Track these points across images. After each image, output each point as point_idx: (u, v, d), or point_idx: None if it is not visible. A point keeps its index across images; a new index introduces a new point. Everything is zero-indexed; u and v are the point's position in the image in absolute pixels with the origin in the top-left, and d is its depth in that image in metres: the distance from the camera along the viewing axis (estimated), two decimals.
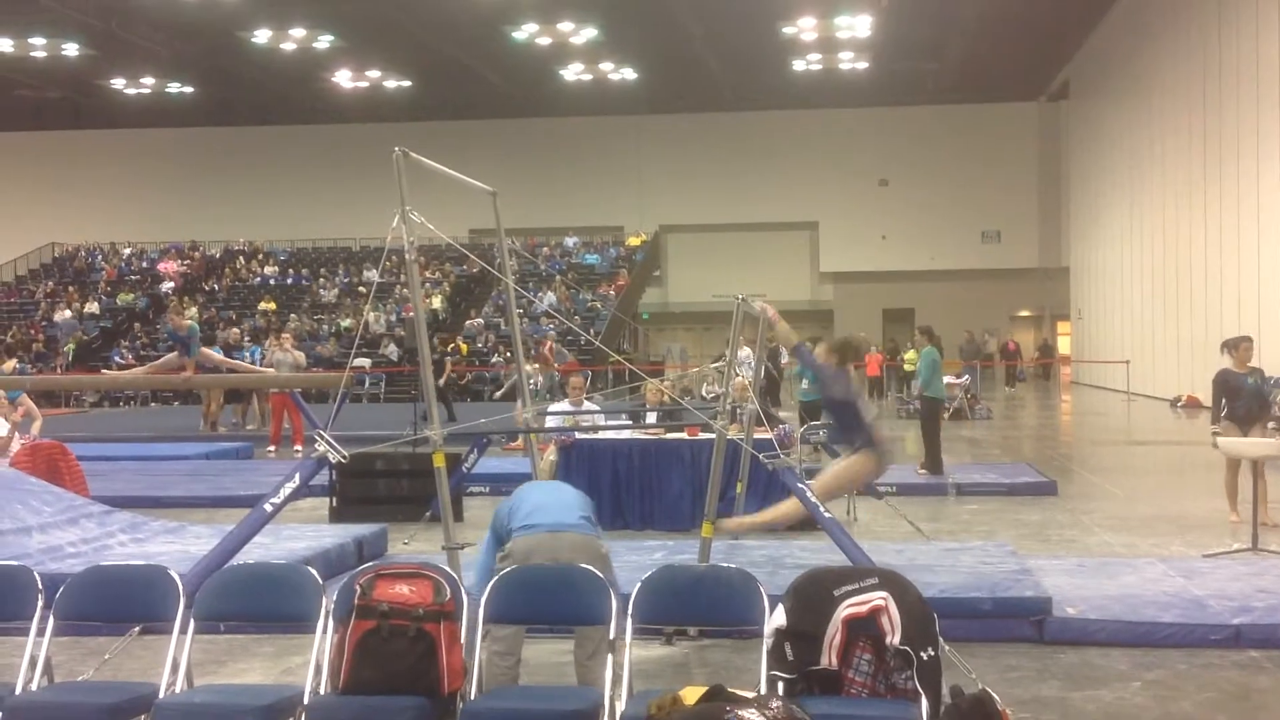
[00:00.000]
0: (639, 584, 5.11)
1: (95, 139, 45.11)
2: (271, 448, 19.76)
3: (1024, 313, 45.38)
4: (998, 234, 44.23)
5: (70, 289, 39.74)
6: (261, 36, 32.62)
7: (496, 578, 5.20)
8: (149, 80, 37.81)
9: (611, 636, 4.95)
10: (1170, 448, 19.85)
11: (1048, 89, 41.95)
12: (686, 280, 44.59)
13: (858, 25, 32.25)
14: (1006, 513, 12.32)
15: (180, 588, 5.08)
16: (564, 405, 13.43)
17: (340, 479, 11.92)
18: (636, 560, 8.58)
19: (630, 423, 13.43)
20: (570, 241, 42.35)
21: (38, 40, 32.81)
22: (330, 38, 33.30)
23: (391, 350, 33.29)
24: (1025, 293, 44.49)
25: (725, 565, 5.54)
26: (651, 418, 13.00)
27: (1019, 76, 40.02)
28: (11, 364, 26.64)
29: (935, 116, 43.06)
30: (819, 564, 6.82)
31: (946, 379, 17.60)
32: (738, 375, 10.13)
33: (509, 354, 31.01)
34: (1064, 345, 43.78)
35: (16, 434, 11.95)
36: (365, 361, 31.26)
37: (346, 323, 35.22)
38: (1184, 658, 6.77)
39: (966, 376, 27.28)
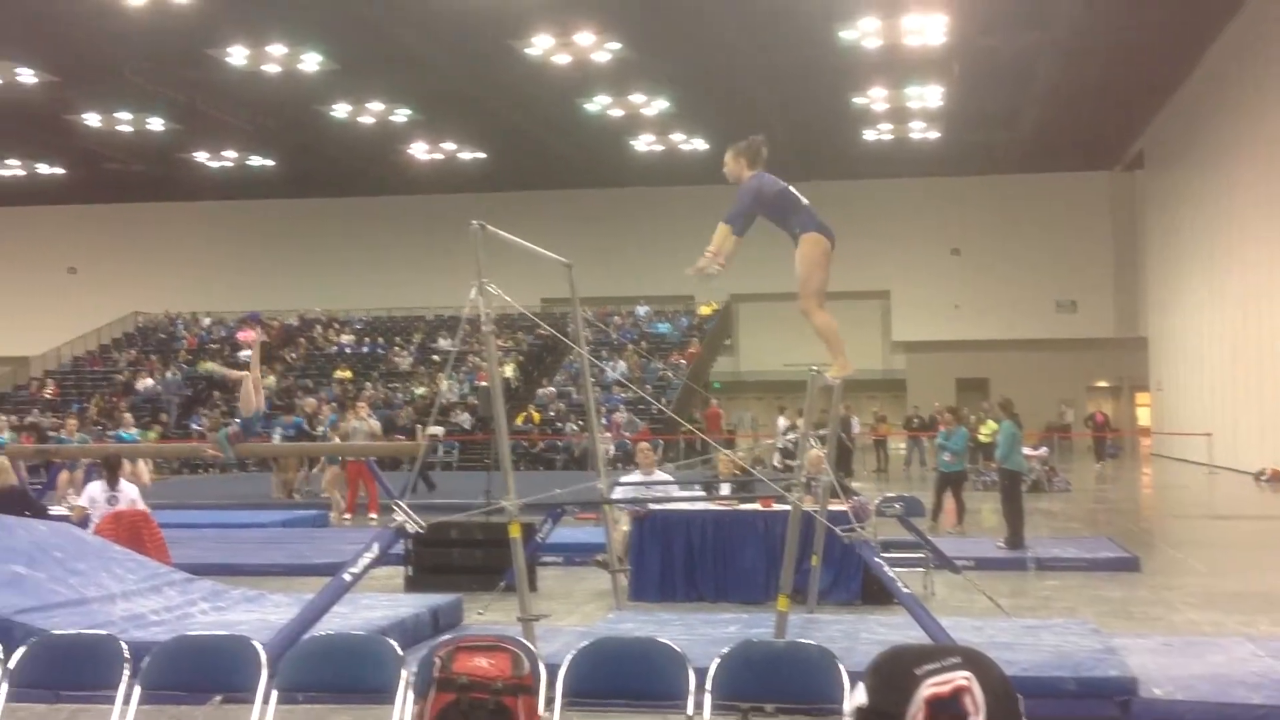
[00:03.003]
0: (717, 659, 5.08)
1: (178, 210, 46.16)
2: (347, 515, 19.93)
3: (1101, 383, 44.76)
4: (1073, 303, 43.79)
5: (152, 357, 40.48)
6: (340, 110, 33.31)
7: (576, 651, 5.20)
8: (231, 153, 38.70)
9: (690, 713, 4.92)
10: (1255, 522, 19.42)
11: (1122, 158, 41.67)
12: (758, 349, 44.53)
13: (929, 95, 32.30)
14: (1088, 589, 12.10)
15: (263, 658, 5.13)
16: (635, 475, 13.43)
17: (415, 548, 11.97)
18: (711, 633, 8.52)
19: (703, 494, 13.40)
20: (641, 310, 42.52)
21: (124, 115, 33.73)
22: (407, 111, 33.92)
23: (465, 418, 33.51)
24: (1102, 363, 43.88)
25: (804, 641, 5.50)
26: (725, 489, 12.95)
27: (1092, 146, 39.78)
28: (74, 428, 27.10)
29: (1008, 186, 42.88)
30: (897, 640, 6.75)
31: (1024, 450, 17.40)
32: (812, 447, 10.08)
33: (581, 423, 31.15)
34: (1143, 416, 43.11)
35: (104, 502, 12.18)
36: (439, 429, 31.46)
37: (420, 390, 35.52)
38: None
39: (1044, 449, 26.94)
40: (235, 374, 15.96)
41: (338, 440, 21.82)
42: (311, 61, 28.72)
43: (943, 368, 42.95)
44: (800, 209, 7.92)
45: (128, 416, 27.42)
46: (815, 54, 28.42)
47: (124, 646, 5.28)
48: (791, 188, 8.02)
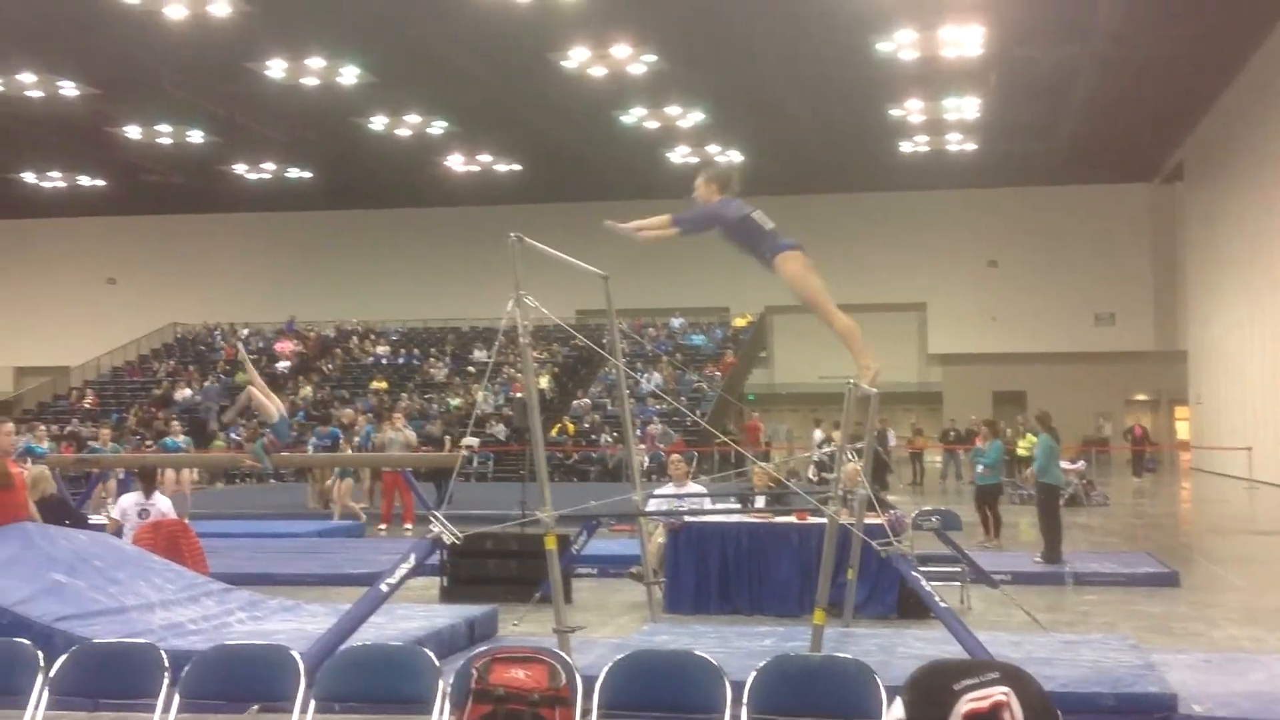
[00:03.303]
0: (754, 673, 5.07)
1: (216, 222, 46.53)
2: (382, 526, 20.01)
3: (1140, 396, 44.40)
4: (1111, 316, 43.47)
5: (190, 368, 40.78)
6: (377, 123, 33.50)
7: (612, 663, 5.20)
8: (269, 165, 38.99)
9: None
10: None
11: (1162, 170, 41.36)
12: (793, 361, 44.42)
13: (966, 107, 32.19)
14: (1126, 604, 12.00)
15: (301, 668, 5.15)
16: (669, 488, 13.42)
17: (451, 558, 12.00)
18: (746, 646, 8.50)
19: (738, 506, 13.37)
20: (676, 322, 42.52)
21: (164, 128, 34.04)
22: (444, 123, 34.09)
23: (499, 429, 33.58)
24: (1141, 376, 43.52)
25: (841, 656, 5.47)
26: (760, 501, 12.92)
27: (1131, 158, 39.52)
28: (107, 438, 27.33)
29: (1045, 197, 42.64)
30: (933, 655, 6.71)
31: (1062, 464, 17.28)
32: (848, 460, 10.04)
33: (615, 434, 31.17)
34: (1182, 430, 42.70)
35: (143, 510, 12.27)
36: (474, 441, 31.55)
37: (455, 402, 35.63)
38: None
39: (1082, 462, 26.74)
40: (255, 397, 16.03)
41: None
42: (349, 74, 28.91)
43: (979, 380, 42.70)
44: (765, 235, 7.86)
45: (175, 425, 27.61)
46: (851, 66, 28.37)
47: (164, 655, 5.32)
48: (755, 214, 7.89)
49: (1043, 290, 42.95)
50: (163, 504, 12.61)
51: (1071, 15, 25.73)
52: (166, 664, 5.25)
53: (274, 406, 15.76)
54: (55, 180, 40.79)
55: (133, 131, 34.21)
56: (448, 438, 27.67)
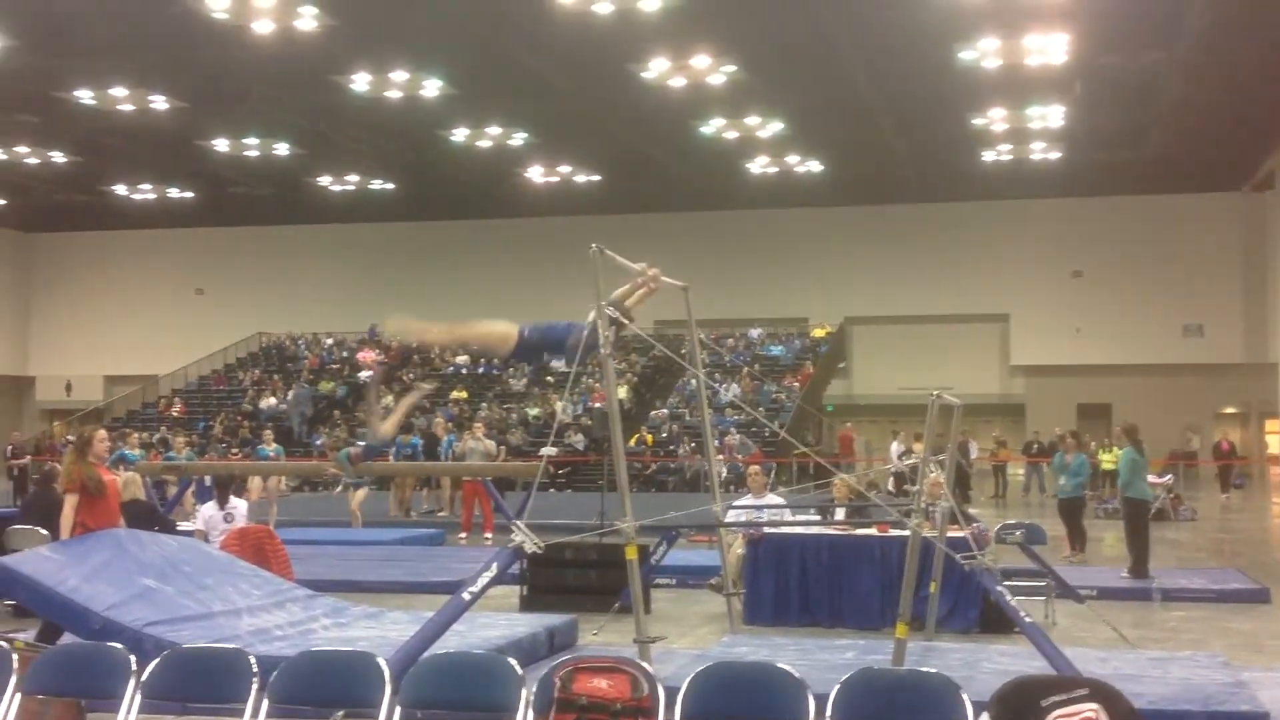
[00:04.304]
0: (837, 686, 5.04)
1: (301, 233, 47.20)
2: (463, 534, 20.18)
3: (1229, 409, 43.48)
4: (1200, 327, 42.64)
5: (275, 377, 41.39)
6: (459, 135, 33.80)
7: (694, 674, 5.20)
8: (353, 177, 39.48)
9: None
10: None
11: (1251, 178, 40.53)
12: (872, 372, 44.10)
13: (1050, 115, 31.78)
14: (1215, 620, 11.77)
15: (387, 674, 5.21)
16: (748, 499, 13.40)
17: (531, 567, 12.07)
18: (828, 659, 8.46)
19: (818, 518, 13.31)
20: (755, 333, 42.42)
21: (251, 141, 34.64)
22: (524, 135, 34.31)
23: (578, 440, 33.69)
24: (1230, 389, 42.61)
25: (925, 670, 5.42)
26: (840, 513, 12.86)
27: (1220, 166, 38.76)
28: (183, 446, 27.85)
29: (1131, 207, 41.96)
30: (1018, 670, 6.63)
31: (1149, 478, 16.99)
32: (931, 472, 9.96)
33: (693, 444, 31.15)
34: (1273, 444, 41.76)
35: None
36: (552, 450, 31.66)
37: (534, 411, 35.81)
38: None
39: (1170, 476, 26.28)
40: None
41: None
42: (432, 87, 29.20)
43: (1063, 392, 42.08)
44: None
45: (267, 433, 28.06)
46: (933, 75, 28.14)
47: (252, 661, 5.40)
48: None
49: (1129, 301, 42.26)
50: (241, 508, 12.85)
51: (1158, 21, 25.32)
52: (255, 669, 5.33)
53: (383, 430, 16.07)
54: (145, 193, 41.62)
55: (221, 144, 34.84)
56: (502, 448, 27.66)
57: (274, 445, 26.47)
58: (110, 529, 9.46)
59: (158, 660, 5.64)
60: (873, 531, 11.71)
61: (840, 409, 44.03)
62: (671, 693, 5.13)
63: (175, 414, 39.09)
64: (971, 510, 17.36)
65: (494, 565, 7.30)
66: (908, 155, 36.70)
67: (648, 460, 32.33)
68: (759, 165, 37.02)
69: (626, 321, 8.08)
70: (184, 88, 29.58)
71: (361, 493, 21.49)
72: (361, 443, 16.85)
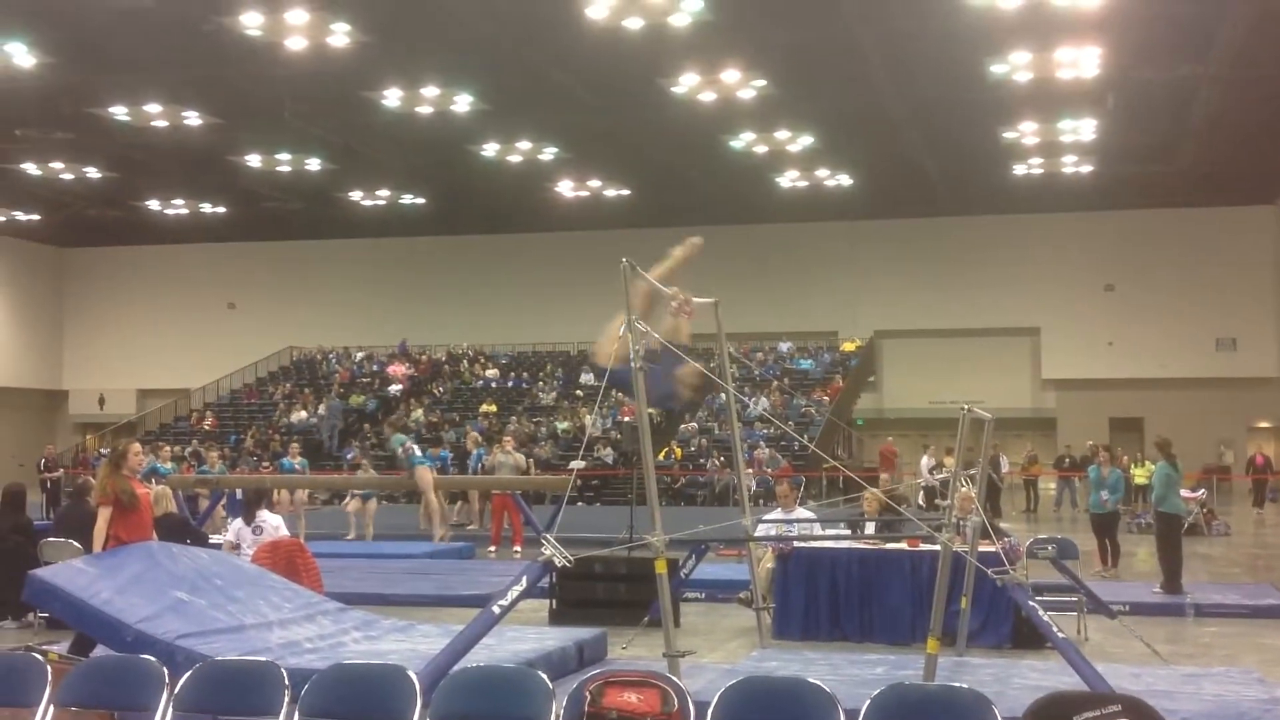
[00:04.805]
0: (868, 701, 5.02)
1: (332, 248, 47.44)
2: (492, 548, 20.21)
3: (1263, 424, 43.12)
4: (1233, 341, 42.31)
5: (305, 391, 41.58)
6: (489, 150, 33.92)
7: (725, 688, 5.19)
8: (383, 192, 39.67)
9: None
10: None
11: None
12: (902, 386, 43.93)
13: (1082, 129, 31.63)
14: (1249, 636, 11.67)
15: (418, 688, 5.22)
16: (777, 513, 13.37)
17: (560, 581, 12.08)
18: (858, 674, 8.43)
19: (848, 532, 13.27)
20: (784, 346, 42.34)
21: (283, 156, 34.86)
22: (554, 150, 34.41)
23: (607, 453, 33.69)
24: (1264, 403, 42.27)
25: (957, 685, 5.39)
26: (870, 528, 12.81)
27: (1253, 179, 38.48)
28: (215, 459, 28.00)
29: (1164, 220, 41.72)
30: (1050, 685, 6.59)
31: (1183, 493, 16.86)
32: (962, 487, 9.92)
33: (722, 458, 31.09)
34: None
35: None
36: (581, 464, 31.63)
37: (563, 425, 35.84)
38: None
39: (1203, 491, 26.06)
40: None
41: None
42: (463, 102, 29.32)
43: (1095, 406, 41.81)
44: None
45: (294, 447, 28.18)
46: (964, 88, 28.07)
47: (284, 673, 5.43)
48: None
49: (1161, 315, 42.00)
50: (272, 519, 12.91)
51: (1190, 35, 25.19)
52: (287, 682, 5.35)
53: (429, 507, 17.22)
54: (178, 208, 41.93)
55: (253, 160, 35.09)
56: (530, 460, 27.76)
57: (299, 459, 26.57)
58: (143, 542, 9.52)
59: (190, 673, 5.67)
60: (903, 546, 11.66)
61: (870, 423, 43.89)
62: (701, 707, 5.12)
63: (207, 427, 39.30)
64: (1003, 525, 17.29)
65: (523, 579, 7.31)
66: (938, 169, 36.60)
67: (677, 474, 32.29)
68: (789, 179, 36.98)
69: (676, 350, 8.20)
70: (217, 104, 29.82)
71: (371, 504, 21.60)
72: (417, 452, 17.42)
